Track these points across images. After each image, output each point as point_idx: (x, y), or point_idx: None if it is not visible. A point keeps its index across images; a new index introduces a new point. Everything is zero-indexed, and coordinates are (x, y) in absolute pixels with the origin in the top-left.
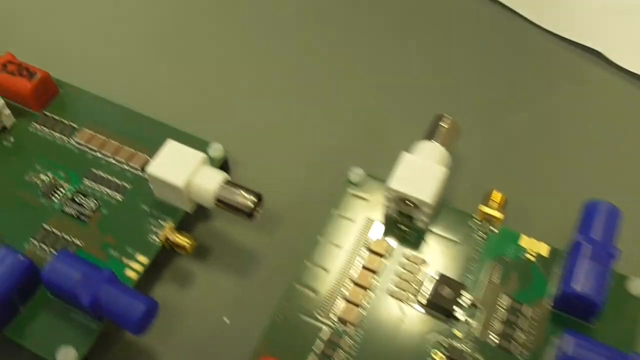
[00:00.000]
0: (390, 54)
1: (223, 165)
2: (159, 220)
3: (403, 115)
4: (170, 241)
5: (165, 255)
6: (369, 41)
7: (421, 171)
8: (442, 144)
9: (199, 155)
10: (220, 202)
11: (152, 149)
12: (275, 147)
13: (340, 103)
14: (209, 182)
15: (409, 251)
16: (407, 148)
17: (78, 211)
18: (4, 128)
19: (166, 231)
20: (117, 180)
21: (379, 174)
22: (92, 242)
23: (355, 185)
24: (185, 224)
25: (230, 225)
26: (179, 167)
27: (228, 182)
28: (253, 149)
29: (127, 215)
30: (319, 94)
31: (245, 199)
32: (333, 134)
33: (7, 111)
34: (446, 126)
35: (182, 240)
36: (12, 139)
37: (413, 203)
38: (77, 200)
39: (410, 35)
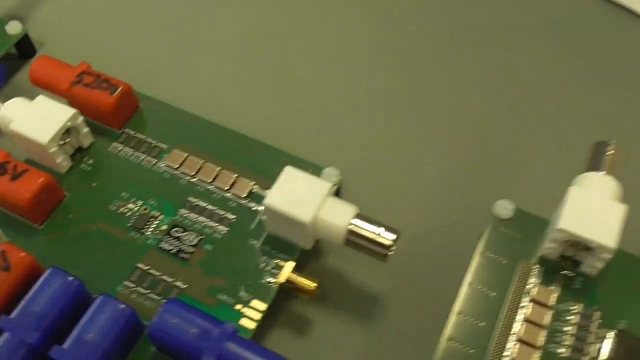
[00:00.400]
0: (525, 70)
1: (336, 193)
2: (274, 259)
3: (544, 140)
4: (293, 284)
5: (278, 297)
6: (499, 56)
7: (597, 209)
8: (612, 175)
9: (325, 185)
10: (352, 241)
11: (256, 173)
12: (392, 172)
13: (468, 124)
14: (339, 216)
15: (575, 303)
16: (555, 178)
17: (177, 247)
18: (80, 149)
19: (286, 272)
20: (219, 211)
21: (523, 206)
22: (197, 284)
23: (504, 220)
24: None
25: (348, 263)
26: (303, 199)
27: (360, 217)
28: (365, 174)
29: (235, 252)
30: (442, 111)
31: (382, 237)
32: (458, 158)
33: (86, 129)
34: (612, 154)
35: (306, 283)
36: (90, 162)
37: (588, 247)
38: (175, 234)
39: (550, 52)
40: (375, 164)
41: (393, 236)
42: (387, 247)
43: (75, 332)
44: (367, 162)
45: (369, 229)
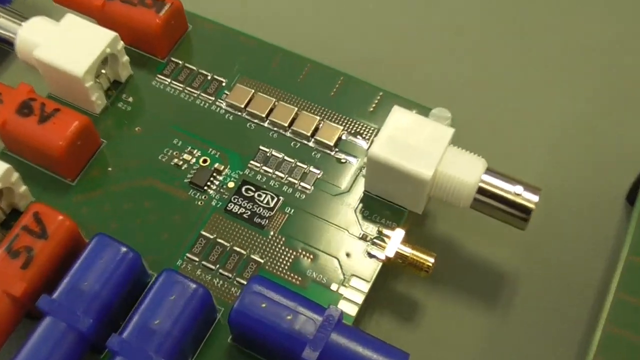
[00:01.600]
0: None
1: None
2: (376, 226)
3: None
4: (405, 258)
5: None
6: None
7: None
8: None
9: (447, 131)
10: (482, 202)
11: (346, 115)
12: (513, 117)
13: (604, 57)
14: (466, 171)
15: None
16: None
17: (249, 210)
18: (116, 83)
19: (395, 243)
20: (301, 164)
21: None
22: (278, 258)
23: None
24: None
25: (463, 231)
26: (419, 149)
27: (491, 172)
28: (479, 119)
29: (325, 218)
30: (572, 43)
31: (523, 199)
32: (595, 100)
33: (125, 57)
34: None
35: (422, 257)
36: (130, 99)
37: None
38: (246, 194)
39: None
40: (490, 106)
41: (536, 197)
42: (529, 211)
43: (136, 317)
44: (480, 104)
45: (505, 188)
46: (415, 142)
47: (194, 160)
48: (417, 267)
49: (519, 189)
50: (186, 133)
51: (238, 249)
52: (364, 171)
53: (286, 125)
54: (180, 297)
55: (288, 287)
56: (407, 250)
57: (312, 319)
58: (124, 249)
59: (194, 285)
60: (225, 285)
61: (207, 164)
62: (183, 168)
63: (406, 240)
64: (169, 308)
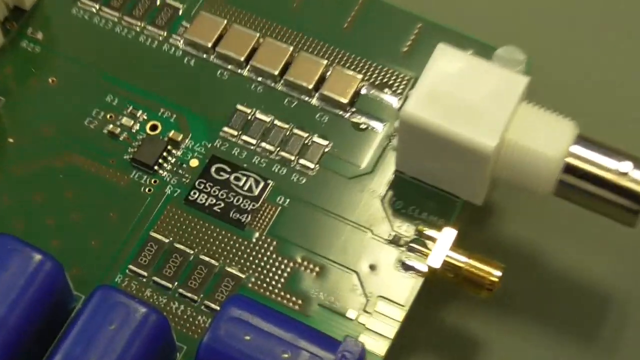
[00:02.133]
0: None
1: None
2: (413, 224)
3: None
4: (458, 270)
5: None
6: None
7: None
8: None
9: (520, 82)
10: (571, 186)
11: (366, 58)
12: (624, 73)
13: None
14: (547, 140)
15: None
16: None
17: (224, 201)
18: (18, 11)
19: (443, 249)
20: (299, 132)
21: None
22: (268, 272)
23: None
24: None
25: (538, 231)
26: (478, 109)
27: (584, 140)
28: (561, 67)
29: (336, 211)
30: None
31: (633, 181)
32: None
33: None
34: None
35: (485, 270)
36: (40, 36)
37: None
38: (217, 177)
39: None
40: (584, 45)
41: None
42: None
43: (58, 357)
44: (569, 42)
45: (605, 164)
46: (471, 98)
47: (137, 126)
48: (476, 283)
49: (626, 165)
50: (125, 86)
51: (206, 259)
52: (394, 142)
53: (276, 73)
54: (124, 327)
55: (283, 312)
56: (461, 259)
57: (321, 358)
58: (37, 257)
59: (143, 309)
60: (189, 312)
61: (157, 131)
62: (121, 139)
63: (459, 245)
64: (106, 343)
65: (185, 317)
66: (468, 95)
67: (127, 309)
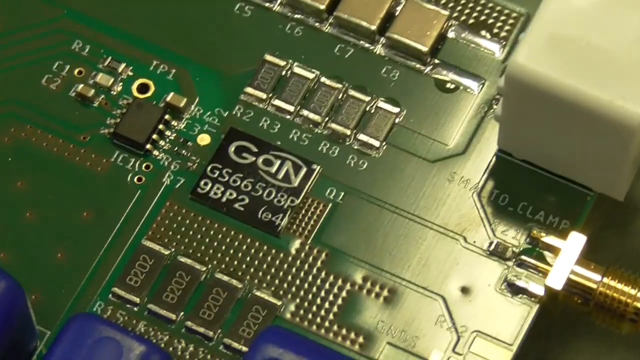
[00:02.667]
0: None
1: None
2: (527, 227)
3: None
4: (590, 294)
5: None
6: None
7: None
8: None
9: None
10: None
11: None
12: None
13: None
14: None
15: None
16: None
17: (248, 194)
18: None
19: (566, 263)
20: (356, 93)
21: None
22: (313, 297)
23: None
24: None
25: None
26: (619, 61)
27: None
28: None
29: (411, 210)
30: None
31: None
32: None
33: None
34: None
35: (628, 294)
36: None
37: None
38: (240, 158)
39: None
40: None
41: None
42: None
43: None
44: None
45: None
46: (610, 45)
47: (119, 86)
48: (615, 312)
49: None
50: (100, 27)
51: (225, 279)
52: (497, 107)
53: (323, 7)
54: None
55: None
56: (594, 278)
57: None
58: None
59: (141, 347)
60: (201, 354)
61: (148, 94)
62: (96, 104)
63: (591, 258)
64: None
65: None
66: (605, 42)
67: (119, 348)
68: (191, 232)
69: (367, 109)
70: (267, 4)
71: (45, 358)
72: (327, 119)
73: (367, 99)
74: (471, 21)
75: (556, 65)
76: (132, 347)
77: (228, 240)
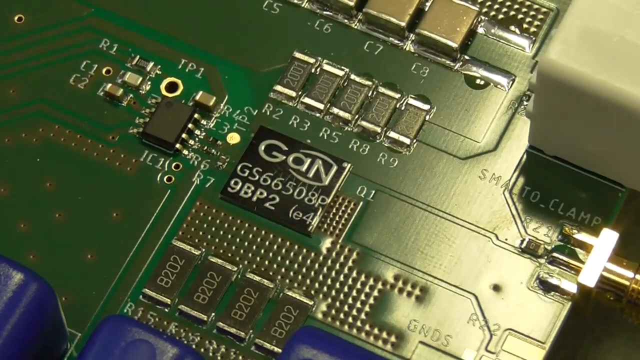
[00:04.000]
0: None
1: None
2: (559, 224)
3: None
4: (623, 291)
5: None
6: None
7: None
8: None
9: None
10: None
11: None
12: None
13: None
14: None
15: None
16: None
17: (279, 193)
18: None
19: (599, 260)
20: (386, 90)
21: None
22: (346, 296)
23: None
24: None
25: None
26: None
27: None
28: None
29: (442, 208)
30: None
31: None
32: None
33: None
34: None
35: None
36: None
37: None
38: (270, 157)
39: None
40: None
41: None
42: None
43: None
44: None
45: None
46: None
47: (147, 85)
48: None
49: None
50: (128, 25)
51: (256, 279)
52: (528, 104)
53: (352, 4)
54: None
55: (372, 352)
56: (627, 275)
57: None
58: (18, 276)
59: (174, 349)
60: (232, 355)
61: (177, 92)
62: (124, 104)
63: (624, 254)
64: None
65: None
66: (637, 37)
67: (152, 350)
68: (222, 232)
69: (397, 106)
70: (295, 1)
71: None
72: (357, 116)
73: (397, 96)
74: (501, 17)
75: (588, 61)
76: (165, 349)
77: (259, 239)
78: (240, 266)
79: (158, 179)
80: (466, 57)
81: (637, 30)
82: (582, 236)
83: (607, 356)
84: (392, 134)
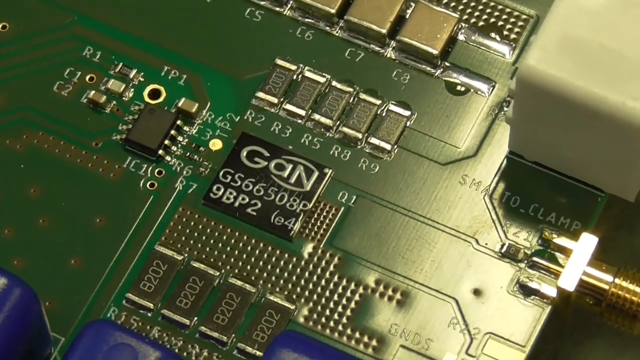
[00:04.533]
0: None
1: None
2: (538, 229)
3: None
4: (602, 295)
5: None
6: None
7: None
8: None
9: None
10: None
11: None
12: None
13: None
14: None
15: None
16: None
17: (261, 199)
18: None
19: (578, 264)
20: (367, 97)
21: None
22: (327, 301)
23: None
24: None
25: None
26: (627, 62)
27: None
28: None
29: (423, 213)
30: None
31: None
32: None
33: None
34: None
35: None
36: None
37: None
38: (252, 163)
39: None
40: None
41: None
42: None
43: None
44: None
45: None
46: (622, 46)
47: (130, 92)
48: (627, 313)
49: None
50: (111, 33)
51: (238, 283)
52: (508, 110)
53: (333, 11)
54: None
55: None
56: (606, 279)
57: None
58: (2, 281)
59: (156, 353)
60: (214, 359)
61: (160, 99)
62: (108, 111)
63: (602, 259)
64: None
65: None
66: (616, 43)
67: (134, 354)
68: (204, 237)
69: (378, 112)
70: (277, 9)
71: None
72: (338, 122)
73: (378, 102)
74: (481, 24)
75: (567, 67)
76: (147, 353)
77: (241, 244)
78: (223, 271)
79: (141, 185)
80: (447, 64)
81: (615, 37)
82: (562, 240)
83: (586, 356)
84: (373, 140)
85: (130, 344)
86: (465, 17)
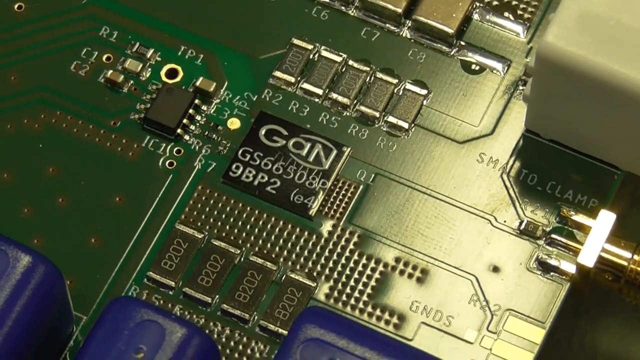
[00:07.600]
0: None
1: None
2: (556, 206)
3: None
4: (621, 271)
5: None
6: None
7: None
8: None
9: None
10: None
11: None
12: None
13: None
14: None
15: None
16: None
17: (279, 177)
18: None
19: (597, 241)
20: (383, 75)
21: None
22: (347, 278)
23: None
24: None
25: None
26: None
27: None
28: None
29: (442, 191)
30: None
31: None
32: None
33: None
34: None
35: None
36: None
37: None
38: (270, 141)
39: None
40: None
41: None
42: None
43: None
44: None
45: None
46: (638, 24)
47: (148, 72)
48: None
49: None
50: (128, 13)
51: (259, 262)
52: (525, 88)
53: None
54: (156, 352)
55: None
56: (625, 255)
57: None
58: (26, 258)
59: (182, 330)
60: (236, 337)
61: (177, 79)
62: (125, 90)
63: (621, 235)
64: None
65: (231, 343)
66: (635, 20)
67: (161, 330)
68: (224, 216)
69: (395, 91)
70: None
71: (87, 341)
72: (355, 101)
73: (395, 81)
74: (495, 3)
75: (586, 44)
76: (173, 329)
77: (261, 223)
78: (243, 249)
79: (160, 164)
80: (462, 43)
81: (634, 14)
82: (580, 218)
83: (604, 336)
84: (391, 119)
85: (157, 321)
86: None
